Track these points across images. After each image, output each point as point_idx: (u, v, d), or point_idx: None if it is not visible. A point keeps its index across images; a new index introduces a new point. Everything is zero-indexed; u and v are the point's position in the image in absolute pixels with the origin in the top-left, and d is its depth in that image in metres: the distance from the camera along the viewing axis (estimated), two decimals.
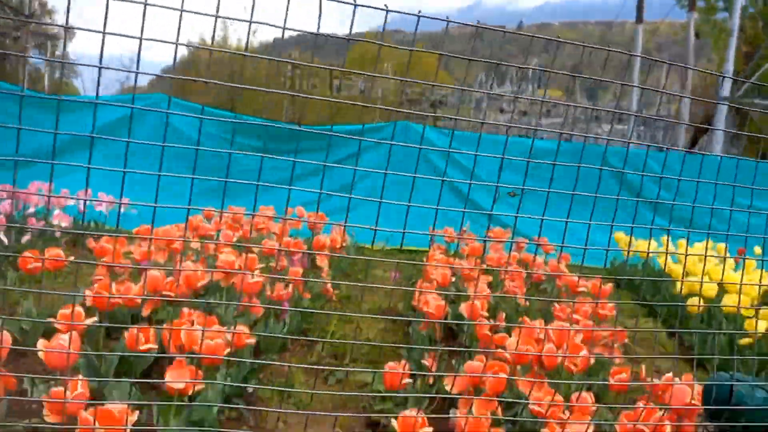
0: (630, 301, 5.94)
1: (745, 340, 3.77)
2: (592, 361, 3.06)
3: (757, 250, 6.37)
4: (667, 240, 5.66)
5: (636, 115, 6.80)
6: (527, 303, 4.29)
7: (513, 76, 44.27)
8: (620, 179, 8.50)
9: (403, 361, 2.81)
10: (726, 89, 14.29)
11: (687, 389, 2.43)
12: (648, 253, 4.97)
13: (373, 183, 7.88)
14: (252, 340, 3.00)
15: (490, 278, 4.57)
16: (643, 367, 2.98)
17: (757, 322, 3.84)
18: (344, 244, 6.08)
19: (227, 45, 40.14)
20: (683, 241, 6.41)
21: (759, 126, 18.30)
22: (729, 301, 3.99)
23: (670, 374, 2.63)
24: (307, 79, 28.66)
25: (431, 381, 2.97)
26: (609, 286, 4.63)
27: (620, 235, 6.63)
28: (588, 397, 2.48)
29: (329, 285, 4.38)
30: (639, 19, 18.88)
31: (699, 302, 4.08)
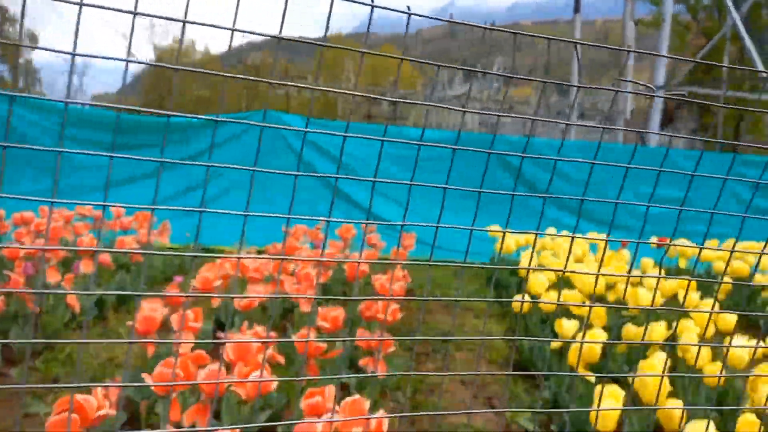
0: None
1: (554, 345, 3.69)
2: None
3: (654, 239, 6.43)
4: (576, 234, 5.65)
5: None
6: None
7: (479, 74, 44.61)
8: (511, 169, 8.54)
9: None
10: (660, 79, 14.43)
11: None
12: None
13: (238, 176, 7.62)
14: None
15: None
16: None
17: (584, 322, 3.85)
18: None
19: (195, 48, 40.10)
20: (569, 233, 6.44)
21: (715, 117, 18.55)
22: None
23: None
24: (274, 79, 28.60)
25: None
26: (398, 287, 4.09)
27: (495, 228, 6.55)
28: None
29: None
30: (576, 8, 18.98)
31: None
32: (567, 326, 3.53)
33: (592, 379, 3.21)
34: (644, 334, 1.32)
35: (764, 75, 12.12)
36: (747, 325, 5.36)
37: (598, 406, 2.42)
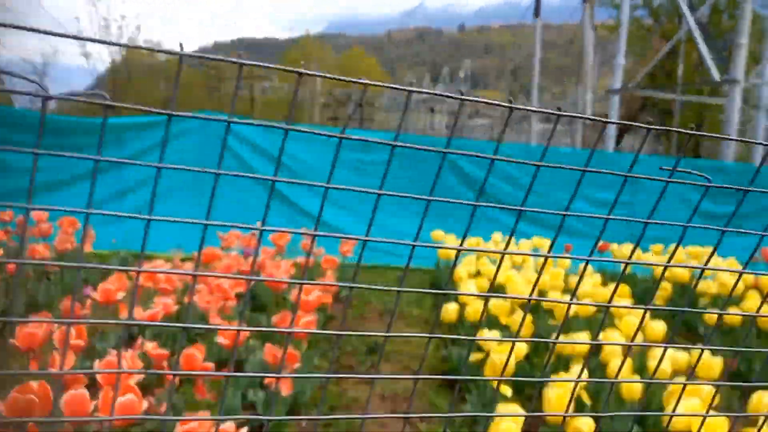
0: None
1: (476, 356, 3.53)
2: None
3: (603, 245, 6.36)
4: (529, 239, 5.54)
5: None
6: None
7: (446, 77, 44.69)
8: (462, 174, 8.42)
9: None
10: (617, 83, 14.49)
11: None
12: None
13: (176, 180, 7.31)
14: None
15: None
16: None
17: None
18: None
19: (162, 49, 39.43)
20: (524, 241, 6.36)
21: (680, 122, 18.69)
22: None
23: None
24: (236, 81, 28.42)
25: None
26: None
27: (438, 233, 6.45)
28: None
29: None
30: (536, 13, 19.03)
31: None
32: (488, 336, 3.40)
33: (509, 393, 3.08)
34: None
35: (715, 79, 12.21)
36: (687, 333, 5.30)
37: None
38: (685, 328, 5.34)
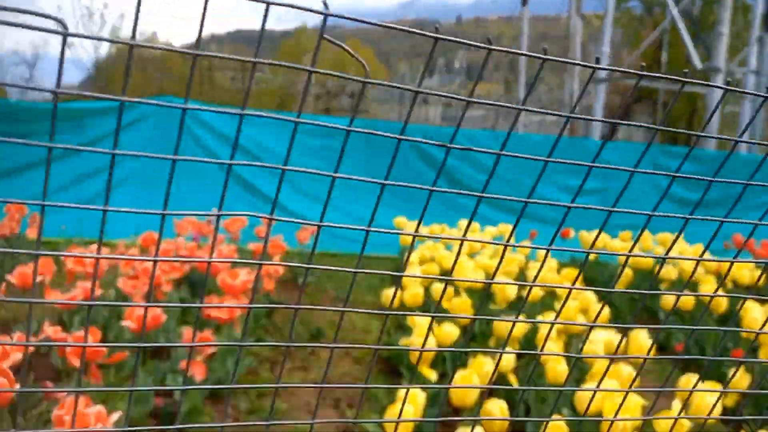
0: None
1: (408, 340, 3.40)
2: None
3: (570, 232, 6.26)
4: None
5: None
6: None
7: (441, 68, 44.56)
8: (431, 161, 8.28)
9: None
10: (602, 72, 14.32)
11: None
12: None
13: (136, 165, 7.14)
14: None
15: None
16: None
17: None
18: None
19: (156, 41, 39.39)
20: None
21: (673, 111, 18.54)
22: None
23: None
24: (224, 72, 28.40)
25: None
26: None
27: (400, 220, 6.33)
28: None
29: None
30: (524, 2, 18.81)
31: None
32: (419, 322, 3.31)
33: (432, 377, 2.99)
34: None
35: (697, 68, 12.09)
36: (649, 319, 5.20)
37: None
38: (646, 314, 5.25)
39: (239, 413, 3.16)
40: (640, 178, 7.41)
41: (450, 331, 3.17)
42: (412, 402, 2.21)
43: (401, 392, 2.44)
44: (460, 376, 2.39)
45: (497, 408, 2.38)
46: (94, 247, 4.16)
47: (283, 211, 7.45)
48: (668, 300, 4.50)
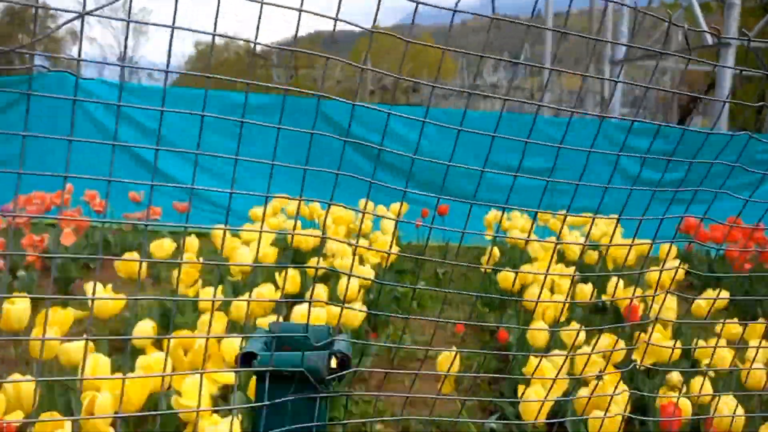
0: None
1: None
2: None
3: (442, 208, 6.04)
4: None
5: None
6: None
7: (506, 64, 43.75)
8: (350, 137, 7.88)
9: None
10: (620, 53, 13.73)
11: None
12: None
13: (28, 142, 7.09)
14: None
15: None
16: None
17: None
18: None
19: (235, 44, 40.79)
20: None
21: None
22: None
23: None
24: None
25: None
26: None
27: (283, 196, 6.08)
28: None
29: None
30: None
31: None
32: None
33: None
34: None
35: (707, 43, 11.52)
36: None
37: None
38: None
39: None
40: (600, 158, 7.02)
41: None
42: None
43: None
44: None
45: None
46: None
47: (164, 178, 7.29)
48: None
